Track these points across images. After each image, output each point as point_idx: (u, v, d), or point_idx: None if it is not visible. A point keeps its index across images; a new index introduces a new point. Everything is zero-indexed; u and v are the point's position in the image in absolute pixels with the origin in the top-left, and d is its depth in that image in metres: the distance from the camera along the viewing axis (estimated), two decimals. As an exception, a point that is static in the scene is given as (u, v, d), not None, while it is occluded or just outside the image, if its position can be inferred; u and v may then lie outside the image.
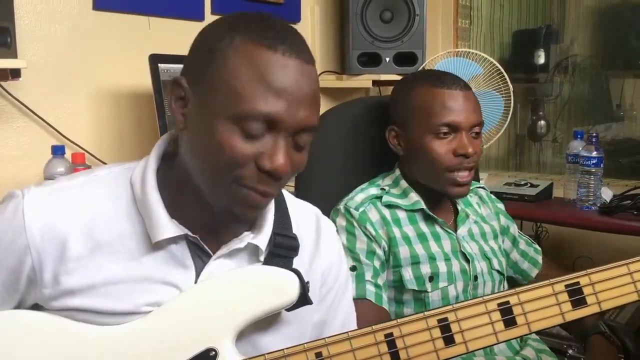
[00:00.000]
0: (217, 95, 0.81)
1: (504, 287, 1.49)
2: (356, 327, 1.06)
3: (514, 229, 1.58)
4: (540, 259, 1.59)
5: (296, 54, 0.83)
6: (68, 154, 1.71)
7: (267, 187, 0.84)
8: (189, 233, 0.88)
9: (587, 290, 0.90)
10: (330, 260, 1.02)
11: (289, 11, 2.50)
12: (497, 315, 0.88)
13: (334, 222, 1.40)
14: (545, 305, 0.89)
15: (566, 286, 0.90)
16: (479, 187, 1.59)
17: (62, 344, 0.84)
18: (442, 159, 1.35)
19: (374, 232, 1.36)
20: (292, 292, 0.89)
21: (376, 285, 1.33)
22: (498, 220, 1.55)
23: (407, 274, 1.36)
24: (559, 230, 2.19)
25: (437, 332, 0.87)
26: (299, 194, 1.51)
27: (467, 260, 1.40)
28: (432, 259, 1.36)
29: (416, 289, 1.35)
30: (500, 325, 0.88)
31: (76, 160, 1.70)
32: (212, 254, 0.90)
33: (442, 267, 1.37)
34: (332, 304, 1.03)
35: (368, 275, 1.33)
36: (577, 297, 0.89)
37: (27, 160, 1.80)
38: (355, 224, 1.37)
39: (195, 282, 0.89)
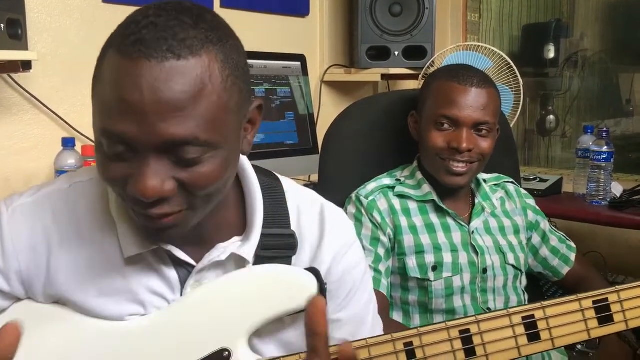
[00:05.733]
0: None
1: (520, 283, 1.49)
2: (376, 321, 1.00)
3: (544, 224, 1.57)
4: (572, 256, 1.56)
5: (153, 52, 0.67)
6: (78, 146, 1.71)
7: (155, 211, 0.73)
8: (162, 246, 0.83)
9: (615, 308, 0.88)
10: (336, 253, 0.91)
11: (297, 4, 2.49)
12: (520, 329, 0.86)
13: (346, 210, 1.45)
14: (571, 321, 0.87)
15: (594, 302, 0.88)
16: (508, 182, 1.58)
17: (76, 337, 0.84)
18: (435, 147, 1.39)
19: (380, 220, 1.40)
20: (309, 294, 0.84)
21: (375, 270, 1.37)
22: (525, 216, 1.54)
23: (411, 262, 1.39)
24: (568, 225, 2.17)
25: (458, 344, 0.85)
26: (322, 187, 1.54)
27: (477, 253, 1.41)
28: (437, 249, 1.39)
29: (419, 277, 1.38)
30: (523, 340, 0.86)
31: (86, 153, 1.70)
32: (195, 264, 0.85)
33: (447, 257, 1.39)
34: (345, 300, 0.93)
35: (368, 260, 1.36)
36: (604, 314, 0.88)
37: (37, 152, 1.80)
38: (363, 211, 1.42)
39: (181, 293, 0.85)
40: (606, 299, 0.88)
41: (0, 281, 0.84)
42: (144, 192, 0.70)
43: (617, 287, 0.89)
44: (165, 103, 0.68)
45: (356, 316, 0.95)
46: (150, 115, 0.68)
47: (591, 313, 0.87)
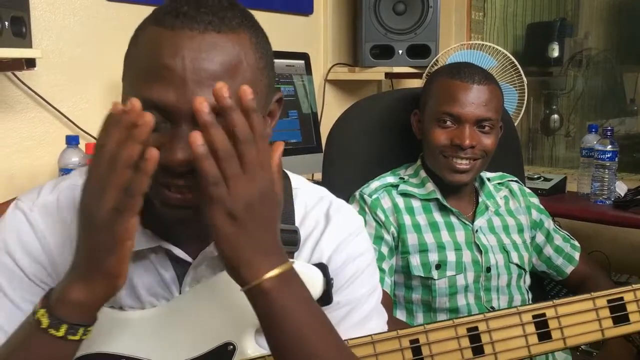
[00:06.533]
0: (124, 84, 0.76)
1: (524, 282, 1.49)
2: (376, 311, 0.96)
3: (548, 223, 1.57)
4: (577, 255, 1.56)
5: (195, 24, 0.70)
6: (82, 144, 1.71)
7: (182, 182, 0.72)
8: (161, 244, 0.82)
9: (631, 307, 0.85)
10: (340, 242, 0.89)
11: (301, 3, 2.49)
12: (531, 328, 0.84)
13: None
14: (583, 320, 0.85)
15: (609, 301, 0.85)
16: (512, 181, 1.58)
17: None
18: (438, 144, 1.39)
19: (383, 218, 1.40)
20: (315, 289, 0.83)
21: (379, 268, 1.33)
22: (529, 215, 1.54)
23: (415, 260, 1.39)
24: (572, 225, 2.17)
25: (465, 342, 0.83)
26: (326, 185, 1.51)
27: (481, 252, 1.41)
28: (441, 247, 1.39)
29: (422, 275, 1.39)
30: (533, 338, 0.84)
31: (90, 151, 1.70)
32: (191, 261, 0.84)
33: (451, 256, 1.39)
34: (344, 285, 0.90)
35: None
36: (619, 313, 0.85)
37: (41, 150, 1.80)
38: (366, 209, 1.42)
39: (179, 291, 0.85)
40: (622, 298, 0.85)
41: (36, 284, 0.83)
42: (176, 160, 0.70)
43: (633, 285, 0.86)
44: (205, 72, 0.70)
45: (353, 300, 0.90)
46: (190, 84, 0.69)
47: (605, 312, 0.85)
